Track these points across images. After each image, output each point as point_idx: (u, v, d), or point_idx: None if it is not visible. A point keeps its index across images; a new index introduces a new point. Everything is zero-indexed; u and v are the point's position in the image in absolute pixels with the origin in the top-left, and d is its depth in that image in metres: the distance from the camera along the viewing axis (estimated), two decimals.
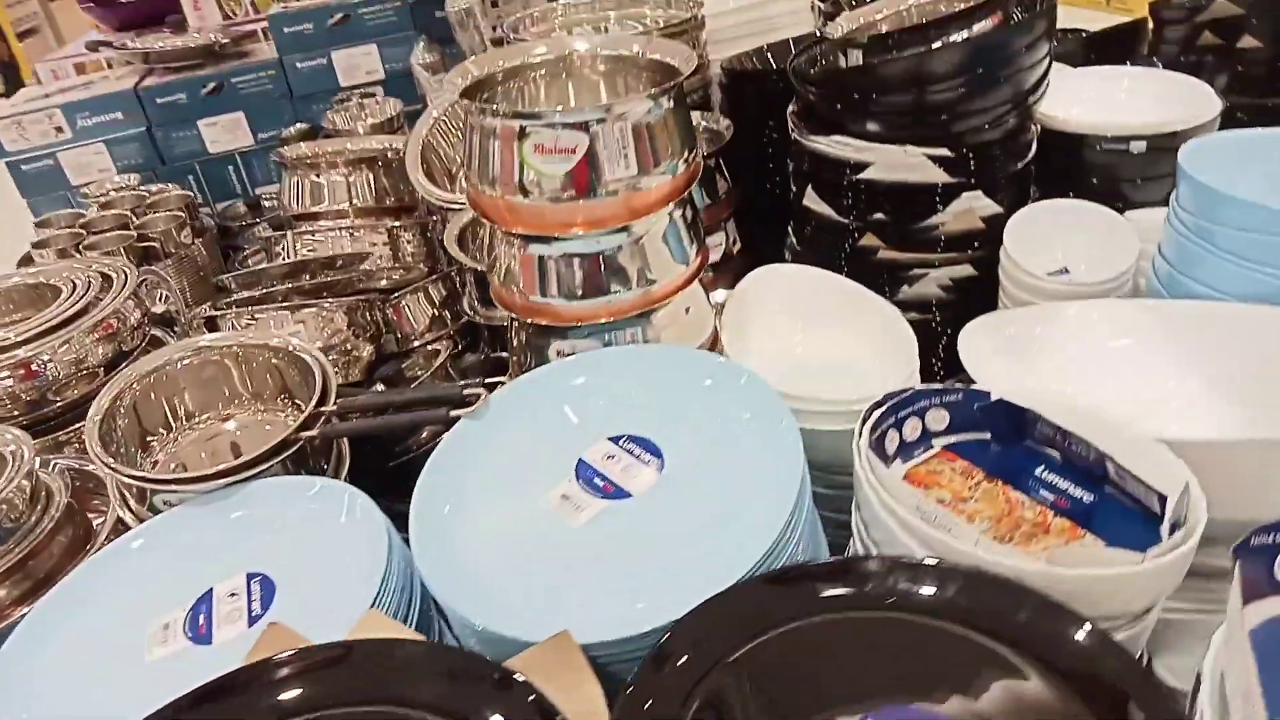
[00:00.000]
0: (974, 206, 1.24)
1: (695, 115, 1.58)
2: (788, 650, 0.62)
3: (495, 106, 1.01)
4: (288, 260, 1.42)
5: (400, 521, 0.82)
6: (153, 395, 1.04)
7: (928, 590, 0.63)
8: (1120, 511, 0.75)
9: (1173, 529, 0.69)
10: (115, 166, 2.12)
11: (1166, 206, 1.06)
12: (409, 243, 1.52)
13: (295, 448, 0.94)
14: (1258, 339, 0.92)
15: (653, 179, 0.95)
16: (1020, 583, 0.62)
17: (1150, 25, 1.66)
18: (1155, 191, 1.27)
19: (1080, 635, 0.58)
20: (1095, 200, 1.24)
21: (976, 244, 1.28)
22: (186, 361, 1.05)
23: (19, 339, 1.16)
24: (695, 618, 0.64)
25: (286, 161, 1.58)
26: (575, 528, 0.79)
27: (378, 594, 0.74)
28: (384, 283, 1.46)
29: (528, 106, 1.10)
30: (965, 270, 1.30)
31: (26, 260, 1.64)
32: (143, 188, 1.94)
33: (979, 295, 1.27)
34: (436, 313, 1.45)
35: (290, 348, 1.05)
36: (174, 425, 1.05)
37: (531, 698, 0.60)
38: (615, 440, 0.86)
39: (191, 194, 1.86)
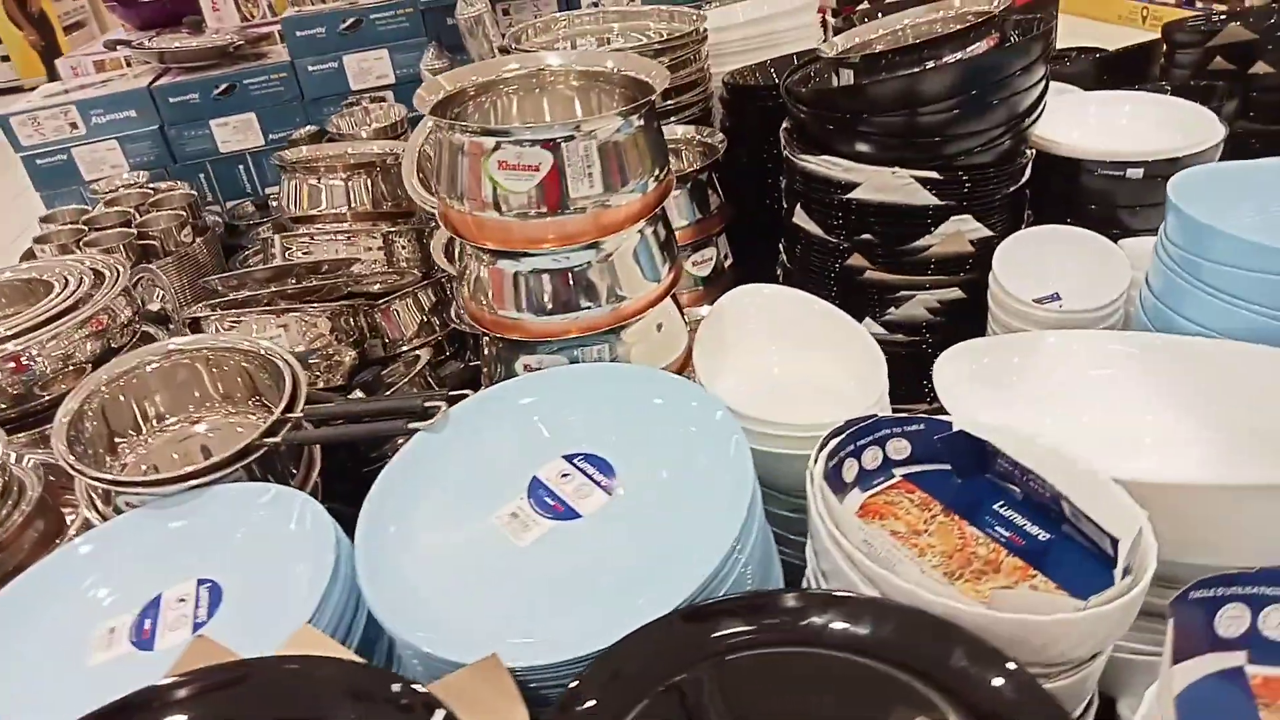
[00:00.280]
0: (963, 229, 1.22)
1: (690, 129, 1.57)
2: (702, 691, 0.60)
3: (461, 122, 1.01)
4: (273, 264, 1.42)
5: None
6: (122, 398, 1.04)
7: (855, 628, 0.62)
8: (1076, 552, 0.73)
9: (1125, 573, 0.66)
10: (128, 163, 2.15)
11: None
12: (404, 248, 1.52)
13: (260, 453, 0.94)
14: (1239, 377, 0.89)
15: (621, 196, 0.94)
16: (951, 623, 0.61)
17: (1164, 48, 1.63)
18: (1153, 219, 1.23)
19: (1004, 681, 0.57)
20: (1092, 226, 1.22)
21: (967, 267, 1.26)
22: (156, 365, 1.06)
23: (8, 333, 1.17)
24: (610, 656, 0.63)
25: (286, 165, 1.59)
26: (521, 547, 0.78)
27: (315, 610, 0.73)
28: (376, 286, 1.46)
29: (498, 123, 1.10)
30: (954, 293, 1.28)
31: (29, 255, 1.66)
32: (150, 185, 1.97)
33: (969, 318, 1.25)
34: (425, 318, 1.45)
35: (262, 351, 1.05)
36: (144, 428, 1.06)
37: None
38: (570, 458, 0.85)
39: (195, 193, 1.88)
